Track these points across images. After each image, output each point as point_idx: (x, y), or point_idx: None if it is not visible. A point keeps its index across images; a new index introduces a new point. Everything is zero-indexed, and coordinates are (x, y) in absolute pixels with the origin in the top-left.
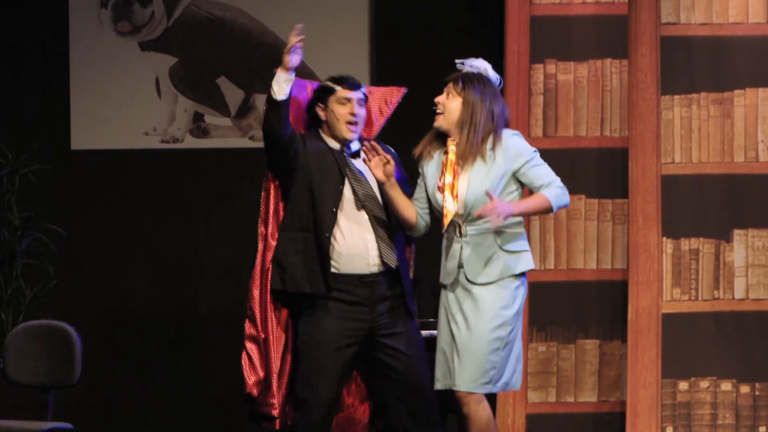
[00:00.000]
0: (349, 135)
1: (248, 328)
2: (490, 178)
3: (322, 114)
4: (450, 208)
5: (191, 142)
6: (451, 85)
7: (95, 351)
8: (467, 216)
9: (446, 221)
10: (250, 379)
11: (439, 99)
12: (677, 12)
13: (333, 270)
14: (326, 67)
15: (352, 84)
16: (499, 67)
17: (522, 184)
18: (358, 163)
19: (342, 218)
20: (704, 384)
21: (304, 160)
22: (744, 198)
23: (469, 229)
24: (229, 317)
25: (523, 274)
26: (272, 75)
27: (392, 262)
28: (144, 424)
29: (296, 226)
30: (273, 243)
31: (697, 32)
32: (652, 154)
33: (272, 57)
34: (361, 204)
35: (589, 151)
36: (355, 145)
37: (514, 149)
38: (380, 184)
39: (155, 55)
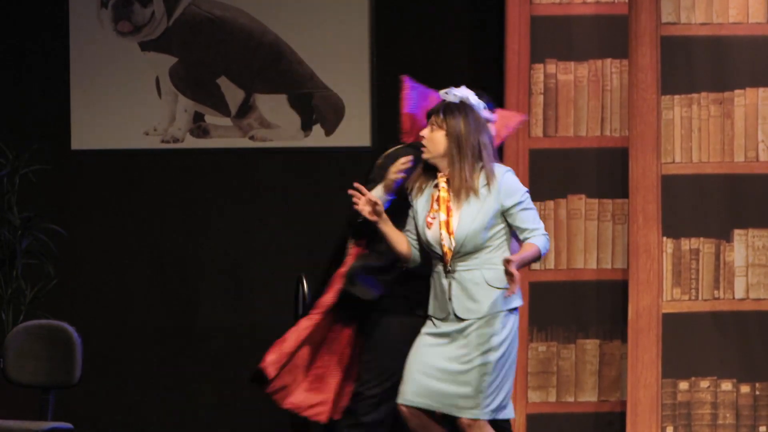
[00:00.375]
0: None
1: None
2: (481, 216)
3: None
4: (448, 245)
5: (191, 142)
6: (433, 117)
7: (96, 351)
8: (456, 253)
9: (448, 259)
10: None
11: (424, 133)
12: (677, 12)
13: None
14: (326, 68)
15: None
16: (499, 67)
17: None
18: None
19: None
20: (704, 384)
21: None
22: (744, 198)
23: (458, 266)
24: (230, 317)
25: (511, 310)
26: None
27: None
28: (144, 424)
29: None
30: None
31: (698, 32)
32: (652, 153)
33: (272, 56)
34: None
35: (589, 151)
36: None
37: (508, 187)
38: (374, 222)
39: (155, 55)
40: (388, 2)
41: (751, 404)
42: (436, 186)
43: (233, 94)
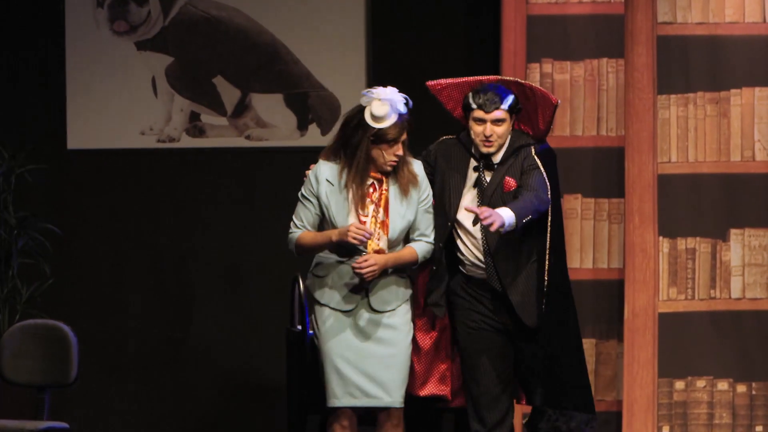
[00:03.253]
0: (484, 150)
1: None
2: (409, 213)
3: (465, 122)
4: (383, 245)
5: (187, 142)
6: (497, 112)
7: (91, 350)
8: (379, 250)
9: (370, 252)
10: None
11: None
12: (673, 11)
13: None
14: (322, 67)
15: (487, 106)
16: (495, 66)
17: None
18: (488, 176)
19: (460, 238)
20: (701, 383)
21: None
22: (740, 197)
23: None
24: (226, 316)
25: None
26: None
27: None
28: (140, 423)
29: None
30: None
31: (694, 32)
32: (648, 153)
33: (268, 56)
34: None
35: (585, 151)
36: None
37: (424, 182)
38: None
39: (151, 55)
40: (384, 2)
41: (748, 404)
42: (378, 187)
43: (229, 94)
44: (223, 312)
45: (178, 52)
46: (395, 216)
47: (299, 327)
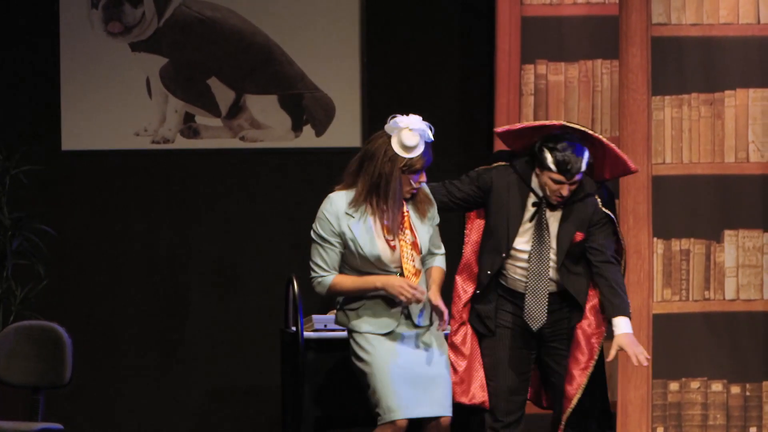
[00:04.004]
0: (554, 202)
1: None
2: (429, 230)
3: (537, 169)
4: (418, 266)
5: (182, 143)
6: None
7: (86, 351)
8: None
9: (408, 274)
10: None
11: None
12: (668, 12)
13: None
14: (317, 68)
15: (570, 173)
16: (489, 68)
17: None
18: (550, 216)
19: (510, 261)
20: (695, 384)
21: (493, 200)
22: (734, 198)
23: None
24: (221, 317)
25: None
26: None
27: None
28: (135, 424)
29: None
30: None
31: (688, 33)
32: (642, 154)
33: (263, 57)
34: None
35: None
36: None
37: (432, 200)
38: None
39: (146, 56)
40: (378, 3)
41: (742, 405)
42: (406, 211)
43: (224, 95)
44: (218, 313)
45: (173, 53)
46: (422, 234)
47: (293, 328)
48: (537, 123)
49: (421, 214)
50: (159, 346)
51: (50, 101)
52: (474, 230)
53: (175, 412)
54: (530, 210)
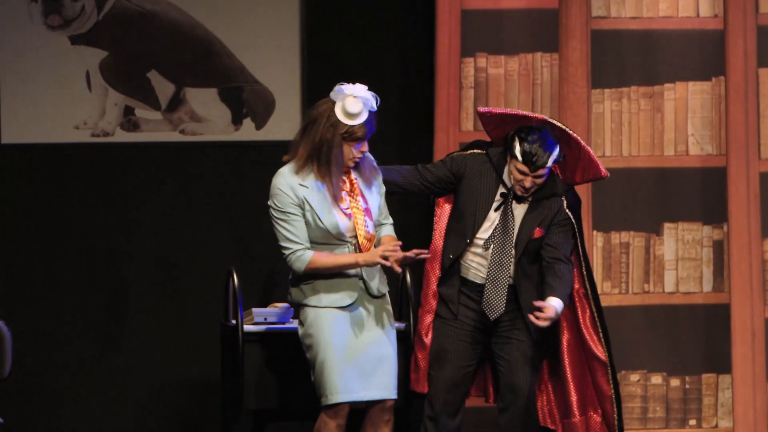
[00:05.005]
0: (519, 193)
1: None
2: (377, 199)
3: (507, 157)
4: (372, 231)
5: (122, 136)
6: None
7: (26, 345)
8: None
9: (363, 240)
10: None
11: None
12: (608, 6)
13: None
14: (256, 61)
15: (534, 165)
16: (429, 61)
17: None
18: (516, 208)
19: (471, 248)
20: (634, 377)
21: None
22: (674, 191)
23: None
24: (160, 311)
25: None
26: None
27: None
28: (76, 418)
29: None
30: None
31: (628, 26)
32: None
33: (202, 50)
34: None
35: None
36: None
37: (379, 170)
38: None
39: (85, 49)
40: None
41: (681, 398)
42: (348, 176)
43: (163, 88)
44: (158, 306)
45: (113, 46)
46: (372, 201)
47: (233, 321)
48: (521, 112)
49: (368, 182)
50: (99, 340)
51: None
52: (443, 216)
53: (115, 405)
54: (498, 200)
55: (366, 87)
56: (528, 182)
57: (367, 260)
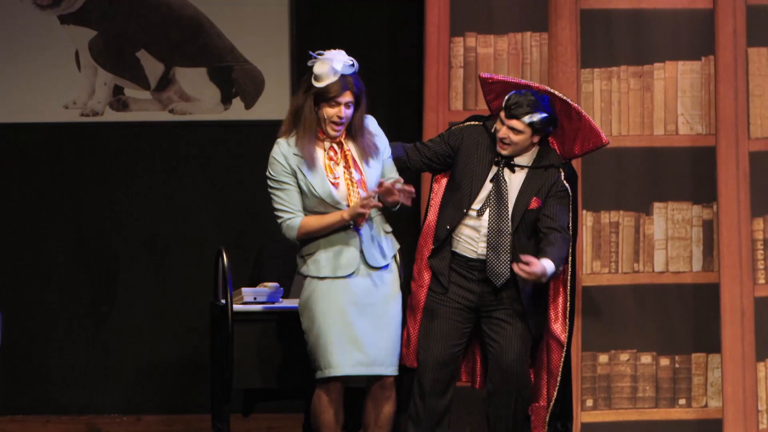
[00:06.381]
0: (498, 149)
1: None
2: (379, 166)
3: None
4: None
5: (111, 116)
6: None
7: (16, 323)
8: None
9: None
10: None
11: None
12: None
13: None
14: (246, 41)
15: (510, 113)
16: (419, 40)
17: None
18: (512, 178)
19: (465, 219)
20: (624, 357)
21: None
22: (664, 171)
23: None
24: (150, 290)
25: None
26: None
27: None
28: (65, 396)
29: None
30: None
31: (617, 5)
32: None
33: (192, 29)
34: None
35: None
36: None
37: (382, 134)
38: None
39: (75, 29)
40: None
41: (671, 377)
42: (339, 147)
43: (153, 68)
44: (148, 285)
45: (102, 25)
46: (369, 172)
47: (223, 301)
48: (523, 81)
49: (366, 149)
50: (89, 318)
51: None
52: (440, 191)
53: (104, 384)
54: (494, 171)
55: (344, 52)
56: (503, 132)
57: (351, 214)
